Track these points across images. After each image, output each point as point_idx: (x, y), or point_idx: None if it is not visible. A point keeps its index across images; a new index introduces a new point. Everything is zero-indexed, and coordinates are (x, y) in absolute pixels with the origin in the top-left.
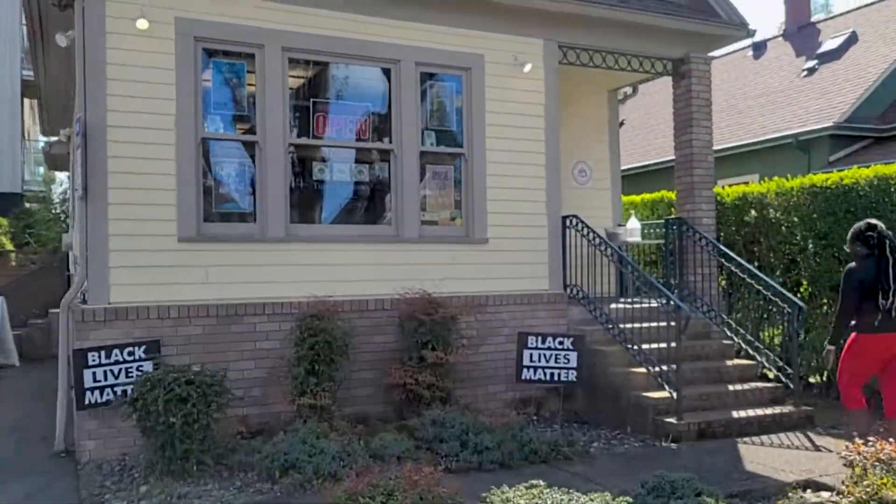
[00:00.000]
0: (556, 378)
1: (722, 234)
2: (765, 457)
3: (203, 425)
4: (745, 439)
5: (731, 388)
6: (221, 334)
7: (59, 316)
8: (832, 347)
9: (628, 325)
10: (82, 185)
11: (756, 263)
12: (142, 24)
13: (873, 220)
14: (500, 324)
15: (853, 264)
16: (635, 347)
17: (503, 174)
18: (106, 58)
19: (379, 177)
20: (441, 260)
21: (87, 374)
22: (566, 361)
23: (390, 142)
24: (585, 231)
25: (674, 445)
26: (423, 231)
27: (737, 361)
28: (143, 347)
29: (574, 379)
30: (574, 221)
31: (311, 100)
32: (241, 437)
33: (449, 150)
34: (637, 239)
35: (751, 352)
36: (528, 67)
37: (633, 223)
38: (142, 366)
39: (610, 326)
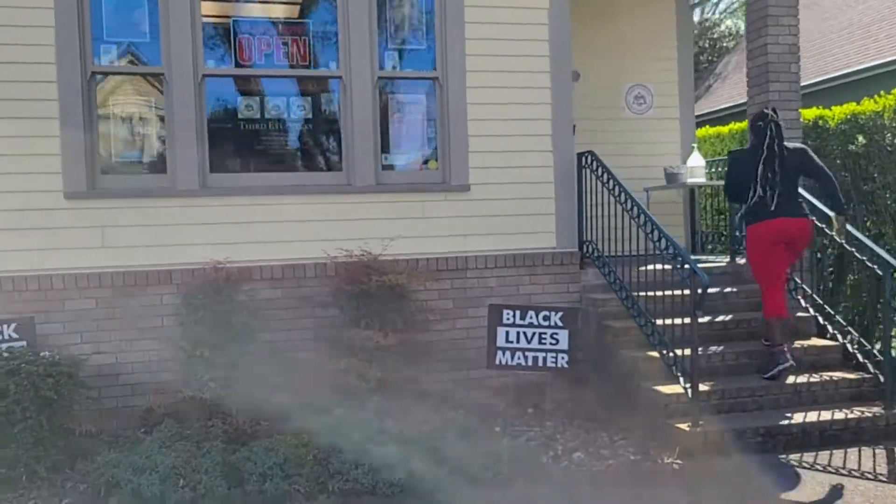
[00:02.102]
0: (540, 363)
1: None
2: (818, 493)
3: (30, 426)
4: (795, 457)
5: (791, 379)
6: (119, 308)
7: None
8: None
9: (657, 293)
10: None
11: (871, 207)
12: None
13: (766, 109)
14: (484, 292)
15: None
16: (648, 323)
17: (490, 101)
18: None
19: (325, 112)
20: (407, 213)
21: None
22: (554, 342)
23: (337, 67)
24: (599, 171)
25: (678, 463)
26: (384, 177)
27: (813, 342)
28: (12, 325)
29: (565, 365)
30: (589, 160)
31: (233, 18)
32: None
33: (417, 74)
34: (700, 179)
35: (831, 329)
36: None
37: (695, 160)
38: (12, 346)
39: (624, 296)
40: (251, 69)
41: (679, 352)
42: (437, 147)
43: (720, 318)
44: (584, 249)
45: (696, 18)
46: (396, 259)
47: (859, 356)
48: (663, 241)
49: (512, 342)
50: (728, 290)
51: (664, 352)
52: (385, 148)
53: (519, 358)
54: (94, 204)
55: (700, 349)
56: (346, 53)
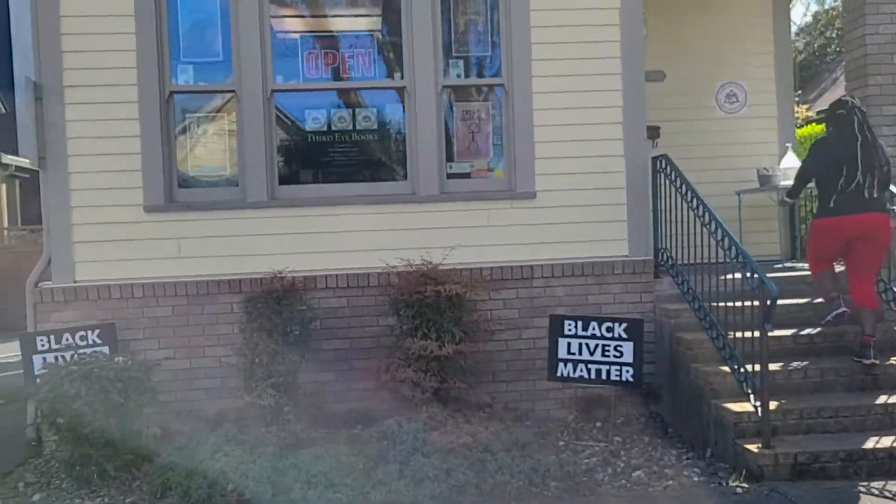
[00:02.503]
0: (604, 377)
1: None
2: None
3: (100, 428)
4: (878, 485)
5: (882, 399)
6: (193, 315)
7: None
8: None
9: (731, 304)
10: (37, 153)
11: None
12: None
13: (845, 97)
14: (552, 301)
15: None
16: (719, 336)
17: (558, 107)
18: (59, 9)
19: (390, 122)
20: (471, 221)
21: (37, 359)
22: (618, 355)
23: (402, 77)
24: (672, 175)
25: (742, 487)
26: (449, 186)
27: None
28: (96, 331)
29: (630, 379)
30: (663, 164)
31: (300, 35)
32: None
33: (482, 81)
34: (790, 182)
35: None
36: None
37: (789, 160)
38: (96, 351)
39: (696, 306)
40: (317, 83)
41: (750, 367)
42: (504, 154)
43: (806, 331)
44: (659, 258)
45: (823, 7)
46: (459, 268)
47: None
48: (733, 248)
49: (574, 354)
50: (819, 300)
51: (735, 367)
52: (450, 156)
53: (581, 370)
54: (171, 217)
55: (780, 364)
56: (409, 63)
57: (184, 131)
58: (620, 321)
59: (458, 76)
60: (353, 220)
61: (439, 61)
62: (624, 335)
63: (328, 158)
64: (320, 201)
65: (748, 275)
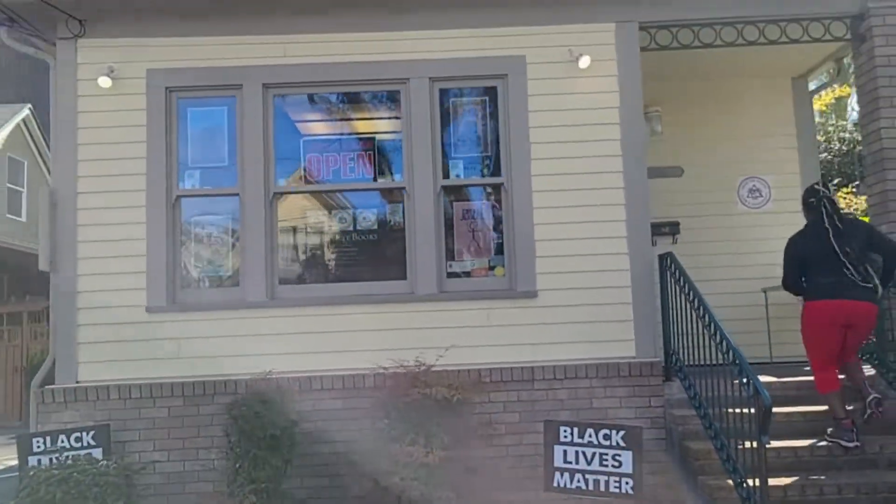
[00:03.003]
0: (602, 487)
1: None
2: None
3: None
4: None
5: None
6: (189, 417)
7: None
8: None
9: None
10: (49, 257)
11: None
12: (104, 82)
13: (817, 185)
14: (555, 405)
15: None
16: (724, 447)
17: (558, 205)
18: (77, 121)
19: (391, 222)
20: (471, 321)
21: (33, 460)
22: (617, 465)
23: (402, 178)
24: (677, 274)
25: None
26: (448, 285)
27: None
28: (91, 433)
29: (629, 491)
30: (668, 262)
31: (301, 139)
32: None
33: (481, 181)
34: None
35: None
36: (585, 62)
37: None
38: (90, 453)
39: (703, 413)
40: (318, 185)
41: (753, 482)
42: (504, 253)
43: (824, 443)
44: (670, 360)
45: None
46: (457, 369)
47: None
48: (730, 352)
49: (570, 462)
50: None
51: (739, 481)
52: (450, 255)
53: (579, 481)
54: (172, 317)
55: (794, 478)
56: (409, 164)
57: (188, 233)
58: (618, 428)
59: (458, 176)
60: (351, 319)
61: (438, 161)
62: (622, 443)
63: (328, 258)
64: (319, 301)
65: (744, 381)
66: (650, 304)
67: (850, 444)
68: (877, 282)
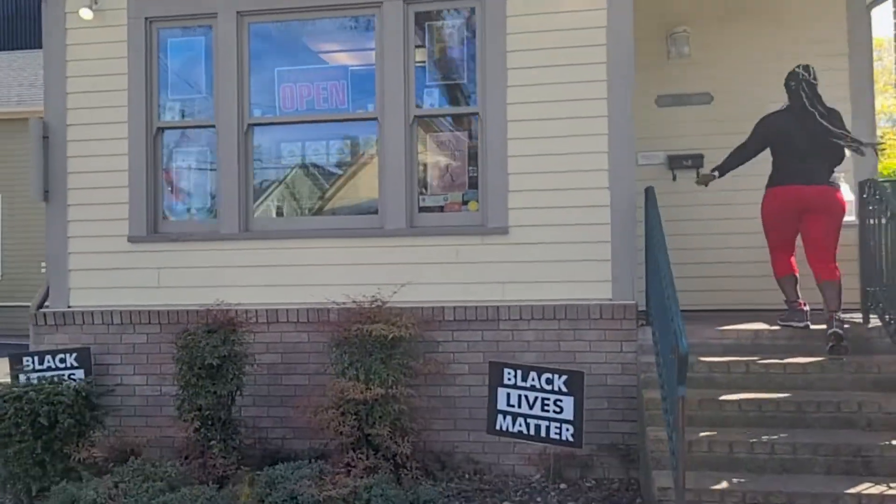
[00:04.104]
0: (542, 433)
1: None
2: None
3: (26, 449)
4: None
5: (866, 489)
6: (166, 343)
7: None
8: (715, 173)
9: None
10: (42, 187)
11: None
12: (86, 13)
13: (797, 68)
14: (520, 346)
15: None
16: (665, 396)
17: (534, 136)
18: (65, 54)
19: (364, 155)
20: (440, 258)
21: (22, 378)
22: (558, 411)
23: (374, 108)
24: (652, 208)
25: None
26: (419, 220)
27: None
28: (73, 355)
29: (569, 438)
30: (648, 196)
31: (276, 69)
32: None
33: (456, 110)
34: (848, 217)
35: None
36: None
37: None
38: (73, 374)
39: (658, 360)
40: (292, 115)
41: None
42: (479, 187)
43: (791, 397)
44: (650, 303)
45: None
46: (421, 307)
47: None
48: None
49: (513, 406)
50: (835, 360)
51: (670, 434)
52: (424, 189)
53: (520, 425)
54: (152, 247)
55: (748, 435)
56: (381, 93)
57: (170, 166)
58: (561, 373)
59: (432, 105)
60: (322, 253)
61: (411, 90)
62: (564, 389)
63: (302, 192)
64: (291, 234)
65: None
66: (630, 244)
67: (801, 325)
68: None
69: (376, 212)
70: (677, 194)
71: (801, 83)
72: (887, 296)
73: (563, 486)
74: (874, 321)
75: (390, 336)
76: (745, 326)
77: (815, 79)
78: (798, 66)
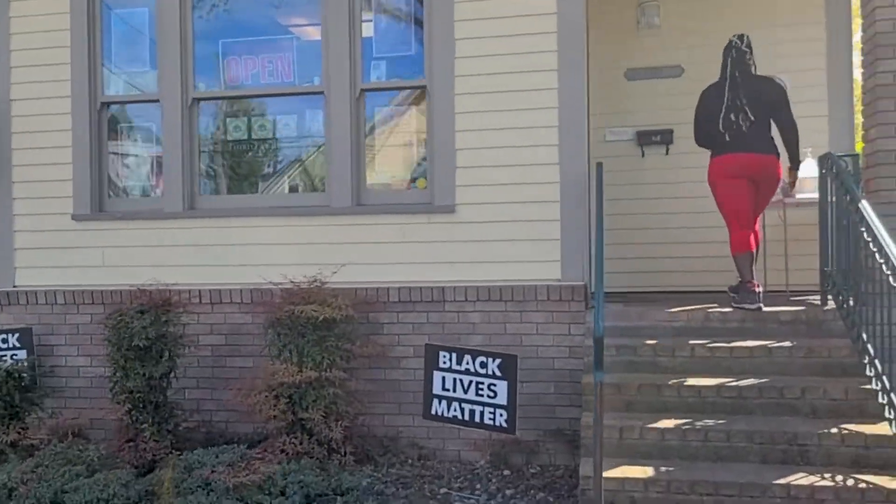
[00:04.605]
0: (477, 419)
1: None
2: None
3: None
4: None
5: (798, 479)
6: None
7: None
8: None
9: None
10: None
11: None
12: None
13: (733, 36)
14: (466, 328)
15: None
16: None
17: (482, 110)
18: (9, 26)
19: (311, 130)
20: (386, 237)
21: None
22: (492, 395)
23: (321, 81)
24: (599, 185)
25: None
26: (365, 198)
27: (873, 428)
28: (16, 335)
29: (503, 424)
30: (599, 172)
31: (221, 41)
32: None
33: (404, 83)
34: (810, 195)
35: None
36: None
37: (805, 169)
38: (16, 354)
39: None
40: (238, 89)
41: (621, 422)
42: (427, 164)
43: (734, 382)
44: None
45: None
46: (358, 287)
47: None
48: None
49: (448, 390)
50: (784, 343)
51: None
52: (372, 166)
53: (455, 410)
54: (97, 226)
55: (682, 421)
56: (326, 65)
57: (116, 141)
58: (495, 356)
59: (380, 79)
60: (268, 232)
61: (357, 62)
62: (498, 372)
63: (248, 168)
64: (237, 212)
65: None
66: (581, 223)
67: (753, 307)
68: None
69: (324, 189)
70: (646, 171)
71: (730, 51)
72: (841, 277)
73: (506, 472)
74: (832, 304)
75: (321, 317)
76: (696, 308)
77: (748, 47)
78: (733, 35)
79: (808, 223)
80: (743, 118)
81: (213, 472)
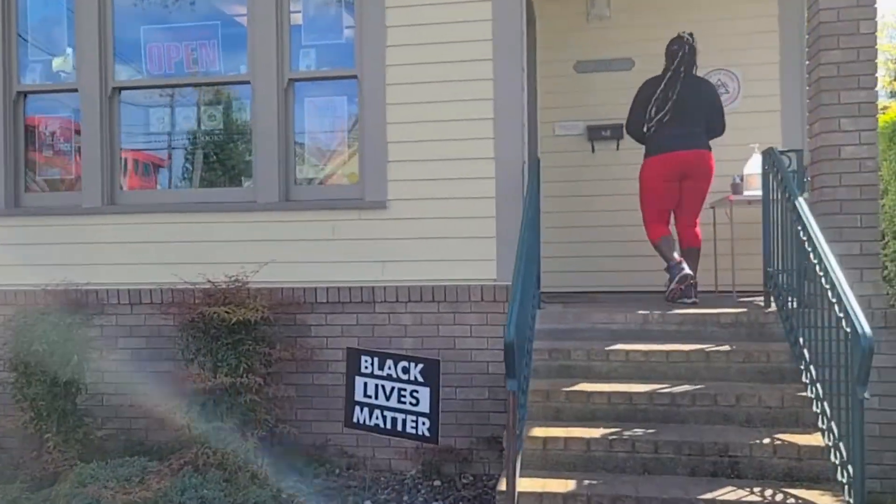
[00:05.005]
0: (399, 428)
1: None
2: None
3: None
4: None
5: (727, 493)
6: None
7: None
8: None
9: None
10: None
11: None
12: None
13: (684, 33)
14: (397, 331)
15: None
16: (524, 392)
17: (415, 101)
18: None
19: (237, 122)
20: (316, 234)
21: None
22: (414, 402)
23: (247, 70)
24: (534, 181)
25: None
26: (294, 193)
27: (807, 439)
28: None
29: (426, 433)
30: (536, 168)
31: (142, 27)
32: None
33: (334, 72)
34: (756, 192)
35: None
36: None
37: (751, 166)
38: None
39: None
40: (161, 78)
41: (545, 432)
42: (358, 157)
43: (668, 389)
44: (539, 283)
45: None
46: (283, 287)
47: (844, 471)
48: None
49: (370, 397)
50: (723, 347)
51: (520, 431)
52: (301, 159)
53: (377, 418)
54: (15, 222)
55: (610, 430)
56: (252, 53)
57: (33, 133)
58: (417, 361)
59: (308, 67)
60: (193, 229)
61: (285, 50)
62: (420, 378)
63: (174, 162)
64: (159, 208)
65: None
66: (517, 220)
67: (689, 301)
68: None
69: (251, 184)
70: (596, 167)
71: (683, 47)
72: (782, 278)
73: (437, 482)
74: (775, 306)
75: (233, 319)
76: (636, 310)
77: (695, 44)
78: (683, 32)
79: (756, 221)
80: (683, 114)
81: (104, 488)
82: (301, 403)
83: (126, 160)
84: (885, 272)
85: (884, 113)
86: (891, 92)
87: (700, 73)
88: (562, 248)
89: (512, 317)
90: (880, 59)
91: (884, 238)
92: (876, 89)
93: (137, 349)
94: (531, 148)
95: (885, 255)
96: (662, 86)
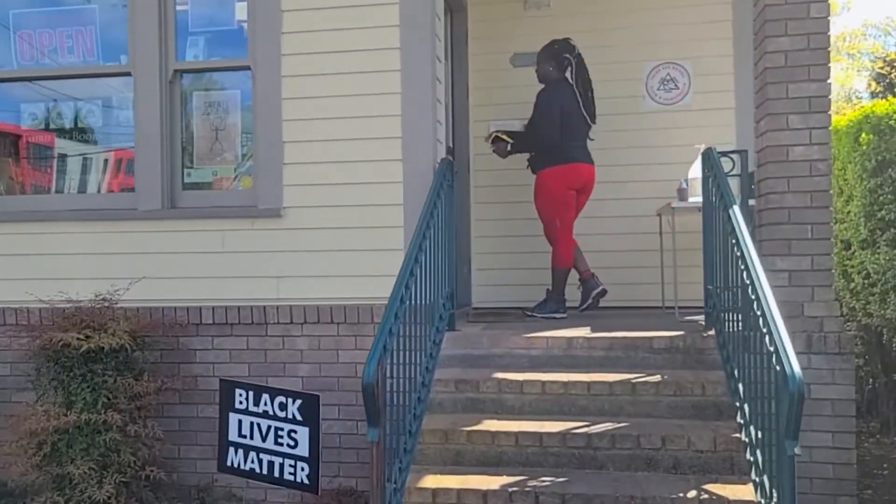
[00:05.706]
0: (276, 473)
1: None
2: None
3: None
4: None
5: None
6: None
7: None
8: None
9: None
10: None
11: None
12: None
13: (570, 39)
14: (293, 356)
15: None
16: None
17: (315, 95)
18: None
19: (119, 118)
20: (204, 246)
21: None
22: (292, 444)
23: (128, 60)
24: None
25: None
26: (181, 199)
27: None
28: None
29: (305, 480)
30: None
31: (11, 12)
32: None
33: (223, 63)
34: (696, 198)
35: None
36: None
37: (696, 169)
38: None
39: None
40: (31, 69)
41: (456, 478)
42: (252, 159)
43: (585, 428)
44: (454, 301)
45: None
46: (174, 306)
47: None
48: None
49: (245, 437)
50: (653, 378)
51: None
52: (190, 161)
53: (253, 461)
54: None
55: (519, 477)
56: (134, 40)
57: None
58: (295, 396)
59: (196, 57)
60: (67, 239)
61: (170, 37)
62: (298, 416)
63: (49, 163)
64: (30, 216)
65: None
66: None
67: (599, 288)
68: None
69: (132, 189)
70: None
71: (574, 54)
72: (722, 296)
73: None
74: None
75: (82, 348)
76: (559, 333)
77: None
78: (569, 39)
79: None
80: (585, 126)
81: None
82: (183, 439)
83: None
84: (853, 284)
85: (848, 112)
86: (872, 93)
87: (647, 67)
88: (495, 259)
89: (375, 352)
90: (866, 60)
91: (850, 248)
92: (829, 81)
93: (1, 377)
94: (462, 150)
95: (853, 267)
96: (571, 99)
